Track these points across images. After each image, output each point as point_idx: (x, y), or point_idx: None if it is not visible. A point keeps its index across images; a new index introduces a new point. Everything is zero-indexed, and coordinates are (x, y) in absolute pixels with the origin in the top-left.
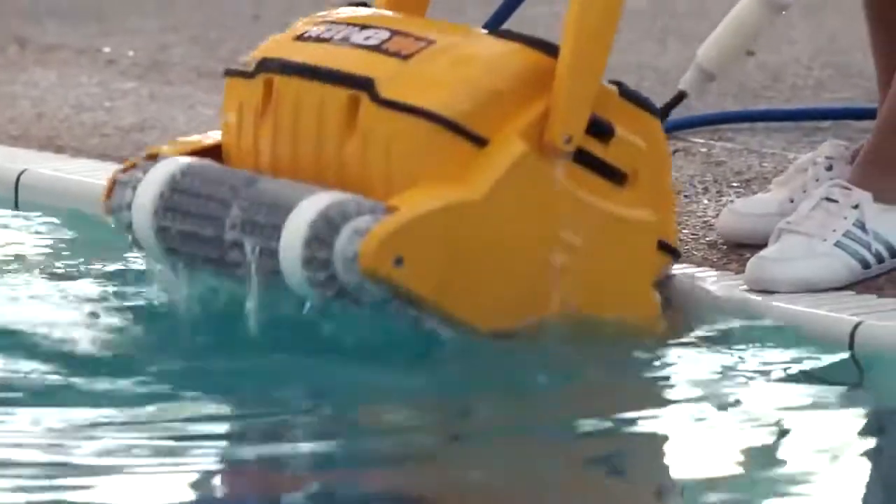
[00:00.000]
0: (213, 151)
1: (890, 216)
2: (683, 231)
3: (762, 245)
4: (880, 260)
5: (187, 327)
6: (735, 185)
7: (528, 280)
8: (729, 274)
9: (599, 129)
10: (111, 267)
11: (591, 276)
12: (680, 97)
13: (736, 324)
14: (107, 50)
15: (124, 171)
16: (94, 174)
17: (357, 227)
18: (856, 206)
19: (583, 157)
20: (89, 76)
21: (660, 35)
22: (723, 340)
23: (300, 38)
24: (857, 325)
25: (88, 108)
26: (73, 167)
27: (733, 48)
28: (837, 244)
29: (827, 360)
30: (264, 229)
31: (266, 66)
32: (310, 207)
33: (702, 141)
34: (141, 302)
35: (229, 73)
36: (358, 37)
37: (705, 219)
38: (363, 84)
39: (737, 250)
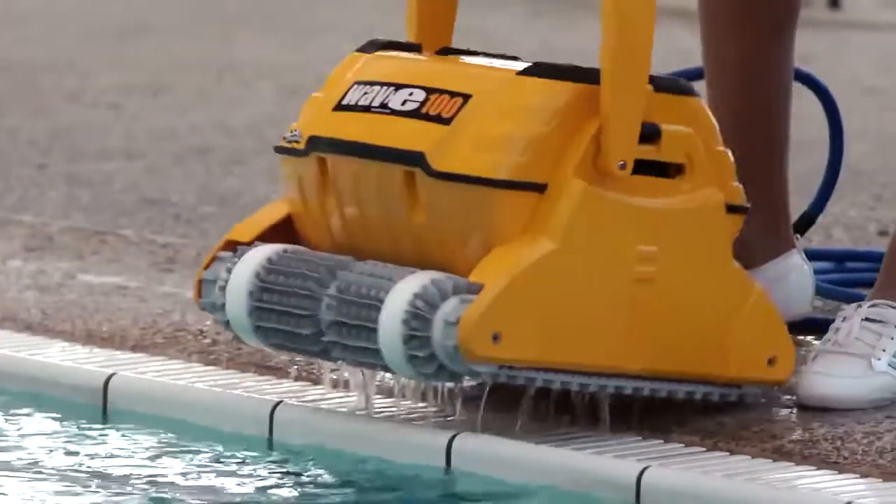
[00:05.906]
0: (284, 224)
1: None
2: None
3: None
4: None
5: None
6: None
7: (621, 304)
8: None
9: (647, 134)
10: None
11: (676, 273)
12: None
13: None
14: None
15: (205, 267)
16: None
17: (447, 318)
18: None
19: (638, 166)
20: None
21: None
22: None
23: (339, 107)
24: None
25: None
26: None
27: None
28: (891, 364)
29: None
30: (361, 309)
31: (316, 144)
32: (408, 285)
33: None
34: None
35: (280, 150)
36: (395, 101)
37: None
38: (414, 159)
39: None
